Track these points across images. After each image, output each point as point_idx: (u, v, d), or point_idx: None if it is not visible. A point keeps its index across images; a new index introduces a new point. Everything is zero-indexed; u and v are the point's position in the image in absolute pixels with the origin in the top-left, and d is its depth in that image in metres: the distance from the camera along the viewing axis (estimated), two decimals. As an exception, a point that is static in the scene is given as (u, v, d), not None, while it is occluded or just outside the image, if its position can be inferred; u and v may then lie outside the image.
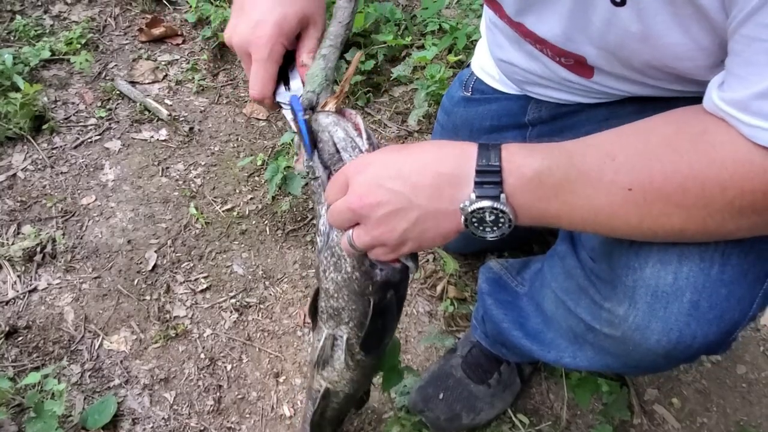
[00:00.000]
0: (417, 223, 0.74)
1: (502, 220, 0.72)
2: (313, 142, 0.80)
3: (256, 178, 1.66)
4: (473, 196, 0.71)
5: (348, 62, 1.76)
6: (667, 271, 0.79)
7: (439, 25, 1.94)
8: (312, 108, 0.83)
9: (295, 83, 0.87)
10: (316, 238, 0.86)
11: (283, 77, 0.87)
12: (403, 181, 0.73)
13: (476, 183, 0.71)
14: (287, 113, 0.84)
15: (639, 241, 0.81)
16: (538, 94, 1.07)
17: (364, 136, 0.79)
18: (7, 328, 1.33)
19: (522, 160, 0.71)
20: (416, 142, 0.79)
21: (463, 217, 0.73)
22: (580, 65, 0.88)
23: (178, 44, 1.95)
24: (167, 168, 1.66)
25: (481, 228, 0.74)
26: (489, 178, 0.71)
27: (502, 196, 0.71)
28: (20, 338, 1.34)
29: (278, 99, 0.86)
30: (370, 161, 0.75)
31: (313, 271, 1.52)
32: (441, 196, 0.73)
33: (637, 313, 0.83)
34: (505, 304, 1.22)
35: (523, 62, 1.02)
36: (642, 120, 0.73)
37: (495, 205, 0.71)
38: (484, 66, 1.24)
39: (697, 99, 0.73)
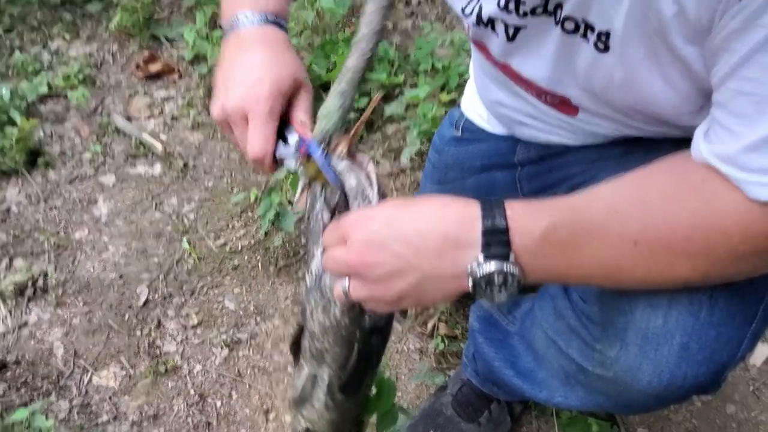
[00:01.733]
0: (417, 285, 0.73)
1: (510, 281, 0.71)
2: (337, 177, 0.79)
3: (249, 214, 1.67)
4: (481, 258, 0.70)
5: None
6: (657, 314, 0.80)
7: (432, 64, 1.97)
8: (324, 148, 0.82)
9: (293, 138, 0.84)
10: (306, 276, 0.86)
11: (278, 134, 0.84)
12: (406, 244, 0.72)
13: (484, 245, 0.70)
14: (290, 163, 0.84)
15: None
16: (525, 134, 1.09)
17: (375, 187, 0.78)
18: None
19: (528, 220, 0.71)
20: (419, 198, 0.79)
21: (471, 280, 0.71)
22: (565, 105, 0.90)
23: (174, 80, 1.97)
24: (161, 203, 1.67)
25: (488, 290, 0.72)
26: (497, 238, 0.70)
27: (512, 256, 0.70)
28: (9, 373, 1.33)
29: (279, 153, 0.83)
30: (372, 217, 0.74)
31: (305, 307, 1.53)
32: (444, 260, 0.72)
33: (628, 354, 0.83)
34: (497, 343, 1.22)
35: (510, 101, 1.04)
36: (639, 170, 0.74)
37: (504, 268, 0.70)
38: (474, 106, 1.26)
39: (681, 140, 0.75)
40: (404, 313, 0.85)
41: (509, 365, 1.16)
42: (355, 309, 0.82)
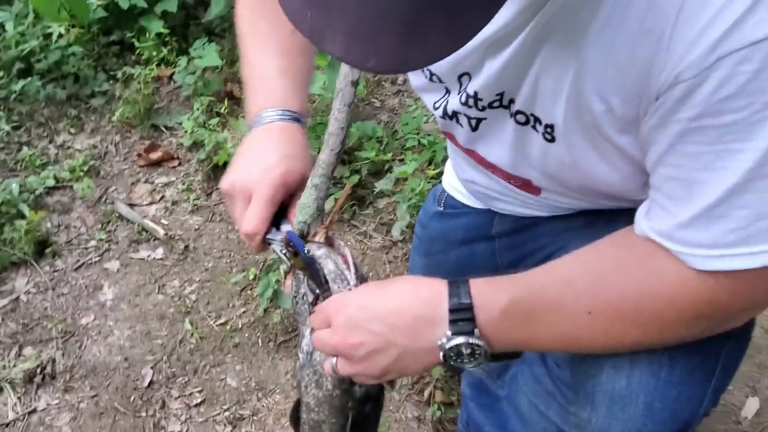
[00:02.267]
0: (398, 360, 0.81)
1: (477, 352, 0.79)
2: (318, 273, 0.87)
3: (248, 292, 1.74)
4: (449, 333, 0.78)
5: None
6: (621, 375, 0.86)
7: (418, 140, 2.08)
8: (303, 237, 0.91)
9: (285, 227, 0.93)
10: (299, 354, 0.93)
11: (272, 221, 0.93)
12: (381, 323, 0.80)
13: (450, 321, 0.78)
14: (276, 248, 0.92)
15: None
16: (499, 208, 1.17)
17: (352, 269, 0.87)
18: (7, 451, 1.37)
19: (490, 296, 0.78)
20: (392, 280, 0.87)
21: (441, 353, 0.79)
22: (527, 185, 0.99)
23: (174, 167, 2.08)
24: (163, 285, 1.74)
25: (459, 360, 0.80)
26: (462, 315, 0.78)
27: (476, 331, 0.78)
28: (19, 461, 1.37)
29: (269, 236, 0.92)
30: (349, 302, 0.82)
31: (304, 380, 1.57)
32: (418, 336, 0.80)
33: (598, 416, 0.89)
34: (487, 408, 1.27)
35: (481, 180, 1.12)
36: (593, 245, 0.81)
37: (470, 341, 0.77)
38: (453, 183, 1.35)
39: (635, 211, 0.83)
40: (392, 383, 0.92)
41: (495, 426, 1.21)
42: (345, 381, 0.89)
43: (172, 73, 2.40)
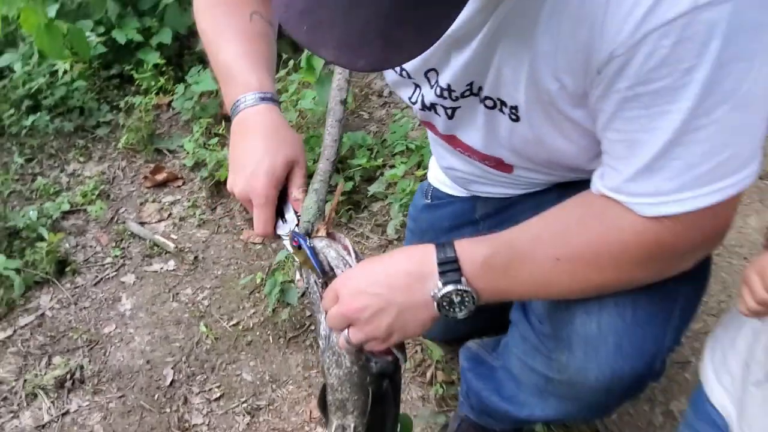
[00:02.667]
0: (398, 317, 0.93)
1: (467, 299, 0.91)
2: (319, 263, 0.98)
3: (257, 295, 1.87)
4: (440, 284, 0.90)
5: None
6: (592, 321, 0.99)
7: (406, 146, 2.22)
8: (308, 234, 1.04)
9: (290, 215, 1.05)
10: (319, 341, 1.04)
11: (278, 211, 1.05)
12: (380, 286, 0.92)
13: (440, 273, 0.90)
14: (286, 243, 1.03)
15: (570, 300, 1.01)
16: (480, 191, 1.30)
17: (353, 254, 1.00)
18: (46, 449, 1.48)
19: (472, 251, 0.91)
20: (388, 252, 1.00)
21: (435, 304, 0.91)
22: (500, 164, 1.12)
23: (178, 186, 2.21)
24: (177, 294, 1.86)
25: (451, 309, 0.92)
26: (449, 267, 0.90)
27: (463, 279, 0.90)
28: (57, 457, 1.49)
29: (278, 232, 1.04)
30: (352, 275, 0.95)
31: (315, 371, 1.70)
32: (413, 291, 0.92)
33: (575, 358, 1.02)
34: (484, 376, 1.39)
35: (460, 166, 1.26)
36: (558, 205, 0.95)
37: (459, 287, 0.90)
38: (437, 176, 1.49)
39: None
40: (402, 350, 1.04)
41: (495, 393, 1.33)
42: (361, 357, 1.00)
43: (171, 101, 2.54)
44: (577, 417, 1.21)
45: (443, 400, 1.63)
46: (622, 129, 0.82)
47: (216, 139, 2.29)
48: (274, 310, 1.81)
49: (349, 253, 0.99)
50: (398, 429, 1.22)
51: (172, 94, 2.54)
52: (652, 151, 0.80)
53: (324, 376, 1.06)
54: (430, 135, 1.35)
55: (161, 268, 1.93)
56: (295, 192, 1.06)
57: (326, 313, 0.97)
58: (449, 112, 1.07)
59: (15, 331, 1.74)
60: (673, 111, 0.77)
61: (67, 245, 1.96)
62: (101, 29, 2.53)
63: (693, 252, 0.91)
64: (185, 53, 2.77)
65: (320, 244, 1.00)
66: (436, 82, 1.02)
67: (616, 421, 1.62)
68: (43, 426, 1.54)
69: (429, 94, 1.05)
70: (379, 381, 1.03)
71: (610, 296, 0.97)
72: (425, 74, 1.03)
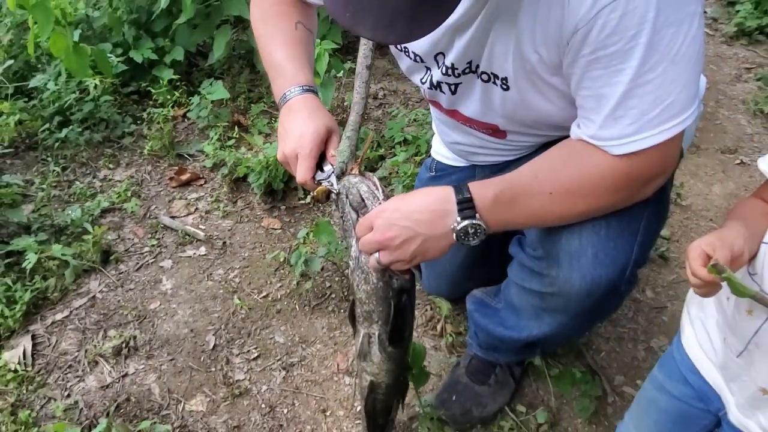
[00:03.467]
0: (422, 245, 1.17)
1: (479, 230, 1.16)
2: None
3: (281, 271, 2.10)
4: (458, 218, 1.15)
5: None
6: (574, 237, 1.24)
7: (404, 137, 2.48)
8: (343, 172, 1.27)
9: (327, 167, 1.29)
10: (349, 262, 1.26)
11: (318, 167, 1.29)
12: (408, 219, 1.15)
13: (458, 210, 1.15)
14: (324, 183, 1.27)
15: (556, 226, 1.26)
16: (479, 161, 1.55)
17: (380, 189, 1.23)
18: (114, 403, 1.70)
19: (483, 190, 1.16)
20: (412, 191, 1.23)
21: (454, 234, 1.15)
22: (496, 131, 1.37)
23: (201, 185, 2.45)
24: (211, 274, 2.09)
25: (467, 239, 1.16)
26: (466, 205, 1.15)
27: (477, 214, 1.15)
28: (122, 410, 1.70)
29: (317, 178, 1.28)
30: (384, 209, 1.17)
31: (338, 332, 1.92)
32: (436, 225, 1.16)
33: (562, 270, 1.27)
34: (488, 314, 1.62)
35: (462, 139, 1.51)
36: (546, 151, 1.20)
37: (474, 222, 1.15)
38: (440, 150, 1.74)
39: None
40: (418, 268, 1.27)
41: (499, 324, 1.57)
42: (385, 274, 1.22)
43: (186, 112, 2.79)
44: (568, 330, 1.44)
45: (453, 348, 1.87)
46: (590, 86, 1.08)
47: (232, 141, 2.54)
48: (298, 283, 2.04)
49: (377, 188, 1.22)
50: (411, 352, 1.45)
51: (187, 106, 2.79)
52: (612, 101, 1.06)
53: (353, 292, 1.26)
54: (435, 115, 1.61)
55: (194, 254, 2.16)
56: (332, 151, 1.31)
57: (359, 239, 1.20)
58: (453, 88, 1.32)
59: (71, 312, 1.96)
60: (626, 69, 1.03)
61: (108, 238, 2.19)
62: (119, 50, 2.78)
63: (653, 179, 1.15)
64: (194, 69, 3.03)
65: (354, 179, 1.23)
66: (443, 63, 1.28)
67: (605, 358, 1.87)
68: (107, 386, 1.76)
69: (436, 74, 1.31)
70: (399, 296, 1.24)
71: (588, 220, 1.22)
72: (435, 57, 1.29)
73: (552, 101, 1.21)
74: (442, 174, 1.74)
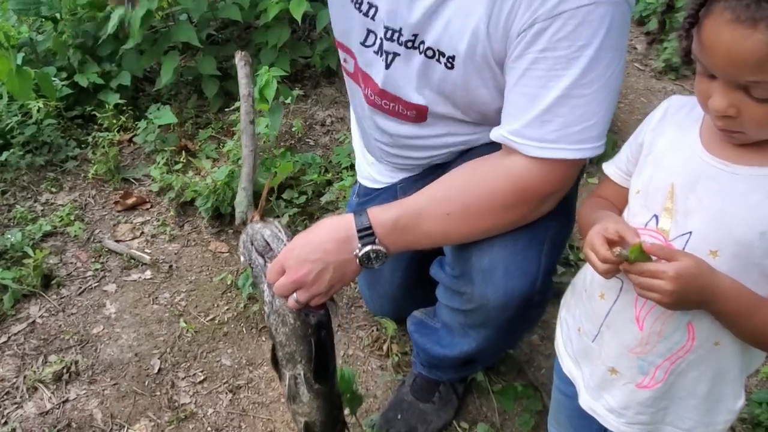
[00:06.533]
0: (335, 272, 1.21)
1: (380, 254, 1.22)
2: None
3: (228, 294, 2.10)
4: (359, 245, 1.21)
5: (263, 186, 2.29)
6: (484, 255, 1.29)
7: (351, 162, 2.53)
8: (244, 222, 1.29)
9: None
10: (264, 308, 1.25)
11: None
12: (317, 252, 1.19)
13: (359, 237, 1.21)
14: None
15: (467, 244, 1.30)
16: (397, 164, 1.56)
17: (283, 231, 1.25)
18: (54, 429, 1.66)
19: (381, 217, 1.21)
20: (314, 224, 1.27)
21: (357, 260, 1.21)
22: (419, 113, 1.35)
23: (147, 209, 2.44)
24: (156, 297, 2.08)
25: (369, 263, 1.22)
26: (365, 233, 1.21)
27: (377, 240, 1.21)
28: (62, 436, 1.67)
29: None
30: (292, 248, 1.20)
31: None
32: (341, 252, 1.21)
33: (476, 287, 1.32)
34: (427, 334, 1.66)
35: (378, 136, 1.50)
36: (447, 173, 1.25)
37: (374, 248, 1.21)
38: (363, 172, 1.75)
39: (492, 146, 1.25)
40: (332, 300, 1.29)
41: (436, 343, 1.61)
42: (301, 313, 1.22)
43: (132, 136, 2.78)
44: (497, 343, 1.48)
45: (399, 367, 1.90)
46: (528, 84, 1.13)
47: (180, 166, 2.54)
48: (245, 306, 2.05)
49: (280, 231, 1.25)
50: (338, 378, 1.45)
51: (133, 131, 2.78)
52: (545, 103, 1.11)
53: (271, 336, 1.26)
54: (358, 115, 1.58)
55: (139, 278, 2.15)
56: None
57: (271, 285, 1.20)
58: (389, 58, 1.29)
59: (9, 337, 1.91)
60: (565, 75, 1.09)
61: (50, 262, 2.15)
62: (63, 74, 2.75)
63: (549, 195, 1.22)
64: (141, 94, 3.03)
65: (257, 226, 1.25)
66: (393, 28, 1.24)
67: (546, 374, 1.93)
68: (46, 413, 1.72)
69: (380, 36, 1.27)
70: (318, 331, 1.25)
71: (496, 237, 1.27)
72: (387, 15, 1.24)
73: (488, 87, 1.23)
74: (367, 199, 1.76)
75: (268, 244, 1.24)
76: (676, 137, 1.02)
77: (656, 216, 1.01)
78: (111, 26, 2.67)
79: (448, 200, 1.21)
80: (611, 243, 0.96)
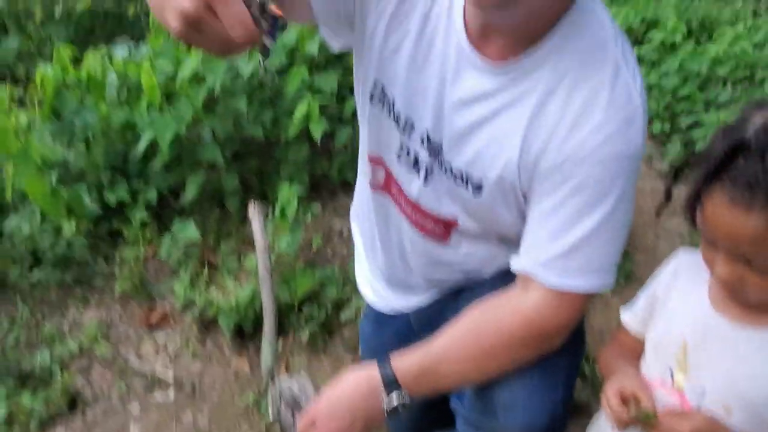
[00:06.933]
0: (365, 425, 1.32)
1: (405, 403, 1.31)
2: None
3: (251, 417, 2.13)
4: (386, 399, 1.30)
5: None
6: (505, 390, 1.34)
7: (368, 277, 2.59)
8: (272, 377, 1.37)
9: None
10: None
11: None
12: (345, 408, 1.31)
13: (385, 389, 1.30)
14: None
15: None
16: (412, 284, 1.57)
17: (311, 387, 1.37)
18: None
19: (405, 367, 1.31)
20: (338, 379, 1.35)
21: (385, 411, 1.30)
22: (446, 227, 1.38)
23: (171, 325, 2.50)
24: (179, 418, 2.11)
25: (395, 411, 1.31)
26: (390, 383, 1.30)
27: (403, 390, 1.30)
28: None
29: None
30: (321, 404, 1.32)
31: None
32: (369, 406, 1.31)
33: (498, 421, 1.36)
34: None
35: (393, 261, 1.53)
36: (461, 315, 1.32)
37: (400, 399, 1.30)
38: (367, 294, 1.74)
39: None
40: None
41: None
42: None
43: (156, 251, 2.87)
44: None
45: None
46: (555, 221, 1.18)
47: (202, 280, 2.62)
48: (267, 428, 2.07)
49: (307, 385, 1.38)
50: None
51: (158, 245, 2.87)
52: (570, 241, 1.17)
53: None
54: (369, 234, 1.60)
55: (163, 400, 2.18)
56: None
57: None
58: (425, 174, 1.32)
59: (35, 463, 1.94)
60: (592, 216, 1.15)
61: (76, 383, 2.20)
62: (93, 191, 2.88)
63: (560, 331, 1.27)
64: (166, 209, 3.14)
65: (285, 382, 1.37)
66: (423, 132, 1.27)
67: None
68: None
69: (415, 146, 1.30)
70: None
71: (514, 373, 1.32)
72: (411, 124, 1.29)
73: (514, 214, 1.28)
74: (381, 325, 1.75)
75: (295, 399, 1.32)
76: (688, 294, 1.08)
77: (671, 369, 1.06)
78: (142, 146, 2.81)
79: (460, 351, 1.29)
80: (626, 400, 1.01)
